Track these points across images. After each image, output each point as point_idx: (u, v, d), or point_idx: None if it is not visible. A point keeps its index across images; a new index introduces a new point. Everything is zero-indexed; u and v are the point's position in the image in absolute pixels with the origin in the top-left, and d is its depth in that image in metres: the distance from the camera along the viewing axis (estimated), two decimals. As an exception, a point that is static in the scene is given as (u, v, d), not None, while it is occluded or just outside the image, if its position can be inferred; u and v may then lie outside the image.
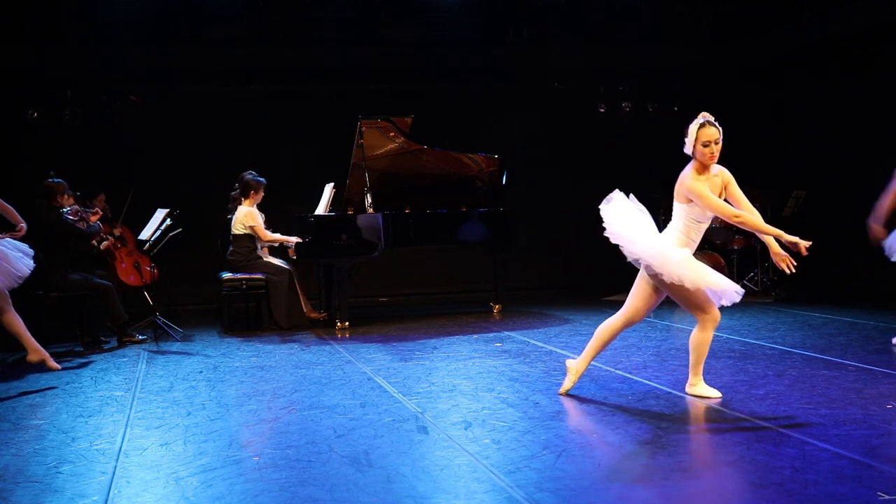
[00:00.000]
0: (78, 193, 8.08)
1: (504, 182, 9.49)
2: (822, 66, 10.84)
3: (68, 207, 7.65)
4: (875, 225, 6.55)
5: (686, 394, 5.13)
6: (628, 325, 5.11)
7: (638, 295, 5.02)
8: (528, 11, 11.10)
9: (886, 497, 3.30)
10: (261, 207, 8.70)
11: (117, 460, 4.16)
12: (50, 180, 7.58)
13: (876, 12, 9.72)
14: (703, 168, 4.84)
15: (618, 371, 5.91)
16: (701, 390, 5.05)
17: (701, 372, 5.06)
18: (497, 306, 9.52)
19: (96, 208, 8.19)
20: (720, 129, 4.83)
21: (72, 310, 7.90)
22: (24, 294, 7.91)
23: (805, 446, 4.02)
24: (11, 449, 4.42)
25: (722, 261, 10.43)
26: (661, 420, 4.65)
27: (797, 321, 8.12)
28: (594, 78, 11.78)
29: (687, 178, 4.83)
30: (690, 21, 11.36)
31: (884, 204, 6.54)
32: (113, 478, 3.89)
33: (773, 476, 3.62)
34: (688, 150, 4.86)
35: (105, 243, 8.58)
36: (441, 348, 7.18)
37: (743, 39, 11.32)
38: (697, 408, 4.91)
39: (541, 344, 7.24)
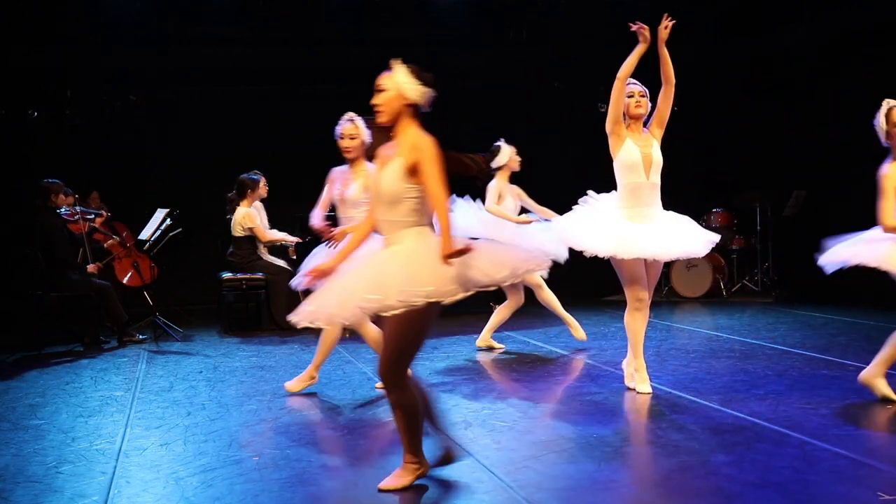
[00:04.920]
0: (76, 196, 8.08)
1: (504, 182, 9.46)
2: (823, 65, 10.83)
3: (65, 207, 7.64)
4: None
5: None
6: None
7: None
8: (528, 11, 11.09)
9: (886, 497, 3.30)
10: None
11: (117, 460, 4.16)
12: (45, 180, 7.58)
13: (877, 12, 9.72)
14: None
15: (618, 371, 5.90)
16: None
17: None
18: (497, 306, 9.49)
19: (101, 211, 8.16)
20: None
21: (72, 310, 7.90)
22: (24, 294, 7.94)
23: (805, 446, 4.02)
24: (11, 449, 4.42)
25: (722, 261, 10.43)
26: (660, 420, 4.65)
27: (797, 321, 8.12)
28: (594, 78, 11.76)
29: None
30: (692, 20, 11.34)
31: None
32: (113, 478, 3.89)
33: (773, 476, 3.62)
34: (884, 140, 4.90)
35: (111, 242, 8.56)
36: (441, 348, 7.18)
37: (745, 38, 11.31)
38: (697, 408, 4.91)
39: (541, 344, 7.23)
